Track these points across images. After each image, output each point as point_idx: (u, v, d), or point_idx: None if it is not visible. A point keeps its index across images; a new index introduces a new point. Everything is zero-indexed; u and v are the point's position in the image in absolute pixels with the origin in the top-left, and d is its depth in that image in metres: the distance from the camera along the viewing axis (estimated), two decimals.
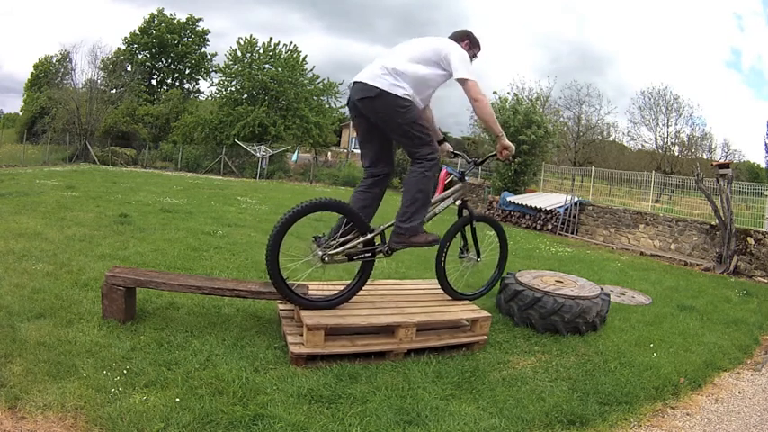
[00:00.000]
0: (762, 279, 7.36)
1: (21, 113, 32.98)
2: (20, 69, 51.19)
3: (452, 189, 3.28)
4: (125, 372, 2.22)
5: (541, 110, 17.28)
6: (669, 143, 26.53)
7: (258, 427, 1.96)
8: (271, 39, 26.51)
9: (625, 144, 28.40)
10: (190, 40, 32.20)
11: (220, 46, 70.34)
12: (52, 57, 29.47)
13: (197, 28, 32.54)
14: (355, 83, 2.75)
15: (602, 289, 3.73)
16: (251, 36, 25.15)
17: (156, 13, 31.22)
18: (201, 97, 32.28)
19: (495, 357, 2.93)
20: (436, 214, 3.14)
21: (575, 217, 11.36)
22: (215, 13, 62.21)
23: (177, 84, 32.93)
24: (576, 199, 11.53)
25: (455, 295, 3.29)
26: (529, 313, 3.43)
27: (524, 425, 2.22)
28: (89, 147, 22.60)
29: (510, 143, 2.96)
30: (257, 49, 25.12)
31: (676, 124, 26.47)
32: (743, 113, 48.28)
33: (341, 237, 2.78)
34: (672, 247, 9.58)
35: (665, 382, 2.79)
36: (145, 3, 71.48)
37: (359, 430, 2.02)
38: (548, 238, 10.27)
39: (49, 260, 3.85)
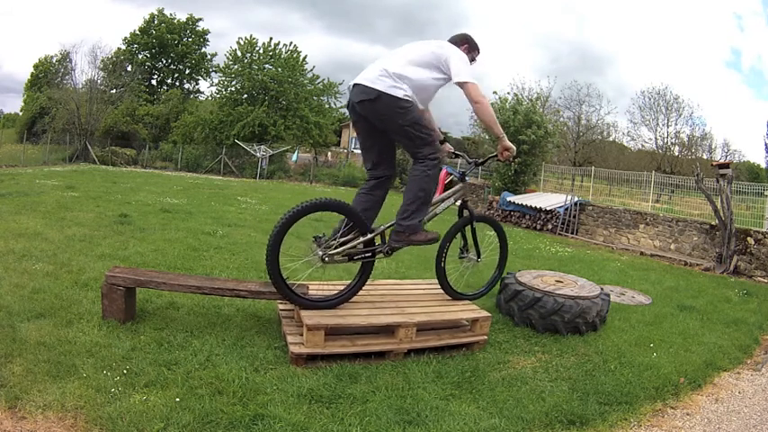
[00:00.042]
0: (762, 279, 7.36)
1: (21, 113, 33.02)
2: (20, 69, 51.39)
3: (453, 189, 3.28)
4: (125, 372, 2.22)
5: (541, 110, 17.28)
6: (669, 143, 26.56)
7: (258, 427, 1.96)
8: (271, 39, 26.61)
9: (625, 144, 28.47)
10: (190, 40, 32.21)
11: (220, 46, 70.49)
12: (52, 57, 29.55)
13: (197, 28, 32.56)
14: (355, 85, 2.75)
15: (602, 289, 3.73)
16: (251, 36, 25.22)
17: (156, 13, 31.28)
18: (201, 97, 32.34)
19: (495, 357, 2.93)
20: (437, 214, 3.14)
21: (575, 217, 11.36)
22: (215, 13, 62.36)
23: (177, 84, 32.95)
24: (575, 199, 11.53)
25: (455, 295, 3.29)
26: (529, 313, 3.43)
27: (524, 425, 2.22)
28: (89, 147, 22.60)
29: (511, 144, 2.96)
30: (257, 49, 25.14)
31: (676, 124, 26.53)
32: (743, 113, 48.41)
33: (341, 237, 2.79)
34: (672, 247, 9.58)
35: (665, 382, 2.79)
36: (145, 3, 71.59)
37: (359, 430, 2.02)
38: (548, 238, 10.27)
39: (49, 260, 3.85)
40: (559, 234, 11.01)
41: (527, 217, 11.97)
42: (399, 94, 2.65)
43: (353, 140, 27.86)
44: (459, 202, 3.30)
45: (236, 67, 24.94)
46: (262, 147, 22.70)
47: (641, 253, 9.18)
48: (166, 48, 31.25)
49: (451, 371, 2.64)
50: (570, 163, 23.17)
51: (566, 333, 3.34)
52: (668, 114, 26.41)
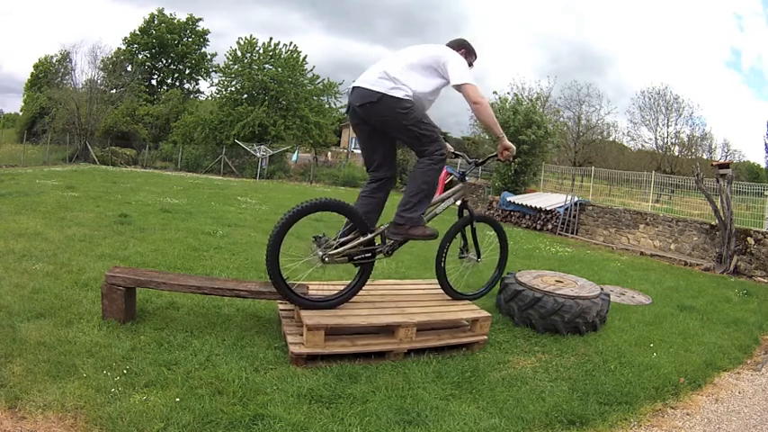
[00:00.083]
0: (762, 279, 7.36)
1: (21, 113, 33.03)
2: (20, 69, 51.38)
3: (453, 189, 3.28)
4: (125, 372, 2.22)
5: (541, 110, 17.29)
6: (669, 143, 26.57)
7: (258, 427, 1.96)
8: (271, 39, 26.61)
9: (625, 144, 28.47)
10: (190, 40, 32.22)
11: (220, 46, 70.49)
12: (52, 57, 29.56)
13: (197, 28, 32.57)
14: (354, 89, 2.75)
15: (602, 289, 3.73)
16: (251, 36, 25.23)
17: (156, 13, 31.30)
18: (201, 97, 32.36)
19: (495, 357, 2.93)
20: (437, 214, 3.14)
21: (575, 217, 11.36)
22: (215, 13, 62.37)
23: (177, 84, 32.95)
24: (575, 199, 11.53)
25: (455, 295, 3.29)
26: (529, 313, 3.43)
27: (524, 425, 2.22)
28: (89, 147, 22.61)
29: (511, 144, 2.96)
30: (257, 49, 25.14)
31: (676, 124, 26.54)
32: (743, 113, 48.41)
33: (341, 237, 2.79)
34: (672, 247, 9.58)
35: (665, 382, 2.79)
36: (145, 3, 71.59)
37: (359, 430, 2.02)
38: (548, 238, 10.27)
39: (49, 260, 3.85)
40: (559, 234, 11.01)
41: (527, 217, 11.97)
42: (400, 94, 2.65)
43: (353, 140, 27.86)
44: (459, 202, 3.30)
45: (236, 67, 24.94)
46: (262, 147, 22.71)
47: (641, 253, 9.17)
48: (166, 48, 31.25)
49: (451, 371, 2.64)
50: (570, 163, 23.17)
51: (566, 333, 3.34)
52: (668, 114, 26.45)
